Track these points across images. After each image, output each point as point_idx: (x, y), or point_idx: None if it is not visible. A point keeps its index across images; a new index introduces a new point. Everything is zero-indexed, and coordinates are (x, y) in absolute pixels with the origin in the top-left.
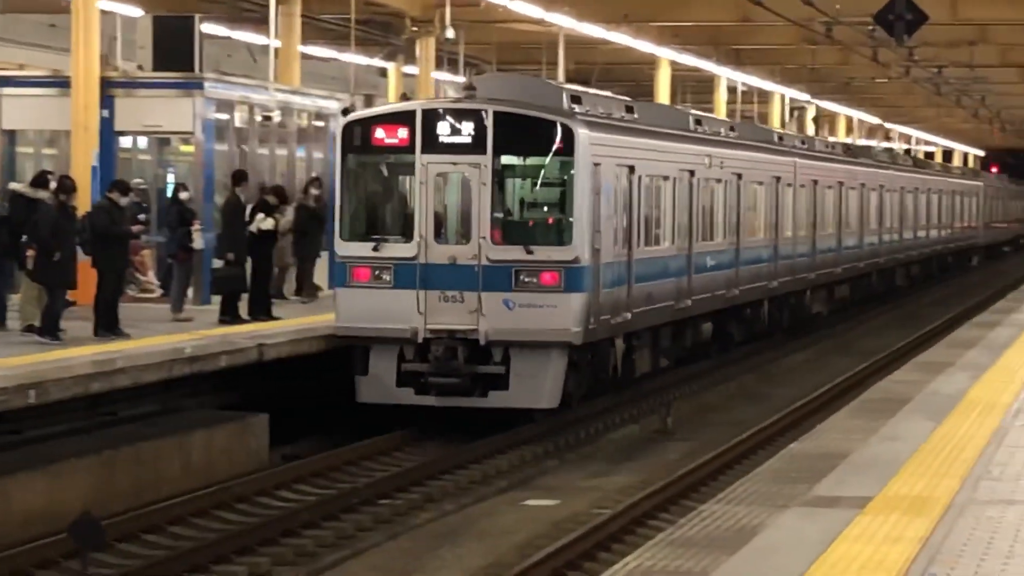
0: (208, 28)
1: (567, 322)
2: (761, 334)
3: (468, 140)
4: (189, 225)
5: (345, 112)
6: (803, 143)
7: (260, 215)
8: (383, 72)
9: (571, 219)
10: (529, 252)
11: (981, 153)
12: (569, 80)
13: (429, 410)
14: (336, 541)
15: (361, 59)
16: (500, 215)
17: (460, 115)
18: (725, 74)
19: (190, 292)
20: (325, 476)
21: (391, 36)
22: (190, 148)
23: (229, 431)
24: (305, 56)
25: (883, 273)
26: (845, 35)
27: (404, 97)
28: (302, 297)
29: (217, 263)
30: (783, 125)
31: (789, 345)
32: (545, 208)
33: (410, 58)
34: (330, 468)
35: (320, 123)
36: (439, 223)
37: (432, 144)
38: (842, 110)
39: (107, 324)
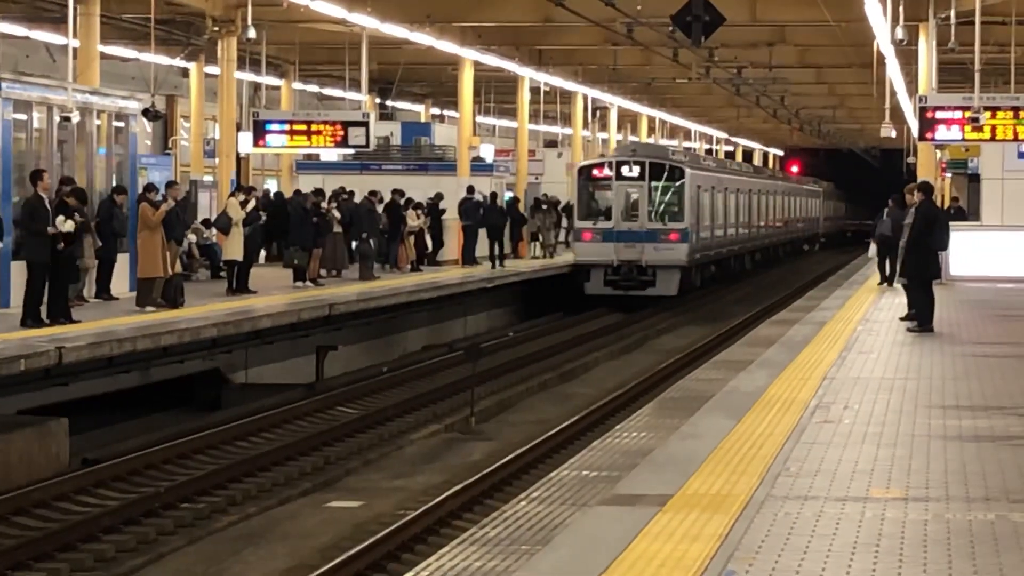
0: (5, 27)
1: (681, 256)
2: (733, 276)
3: (636, 174)
4: None
5: (146, 112)
6: (746, 165)
7: (60, 217)
8: (185, 72)
9: (684, 210)
10: (664, 224)
11: (780, 152)
12: (372, 81)
13: (617, 297)
14: (137, 546)
15: (162, 59)
16: (651, 208)
17: (632, 164)
18: (528, 75)
19: None
20: (126, 480)
21: (192, 36)
22: None
23: (27, 436)
24: (105, 56)
25: (776, 246)
26: (646, 36)
27: (602, 155)
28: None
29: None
30: (586, 125)
31: (591, 343)
32: (671, 205)
33: (212, 58)
34: (131, 472)
35: (120, 124)
36: (622, 212)
37: (620, 176)
38: (644, 110)
39: None
